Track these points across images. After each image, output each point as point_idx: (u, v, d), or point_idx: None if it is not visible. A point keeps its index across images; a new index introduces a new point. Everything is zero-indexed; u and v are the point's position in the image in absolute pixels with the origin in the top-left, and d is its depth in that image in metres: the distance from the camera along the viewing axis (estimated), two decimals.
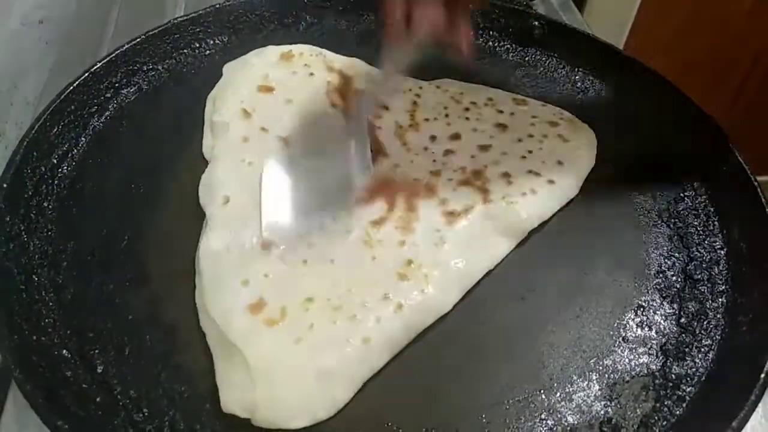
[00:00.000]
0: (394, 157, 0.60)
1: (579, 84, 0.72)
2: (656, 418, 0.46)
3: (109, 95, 0.64)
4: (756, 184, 0.57)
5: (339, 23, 0.76)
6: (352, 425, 0.44)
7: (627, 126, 0.67)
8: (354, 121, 0.60)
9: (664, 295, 0.53)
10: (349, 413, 0.45)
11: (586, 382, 0.48)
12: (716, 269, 0.55)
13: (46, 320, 0.48)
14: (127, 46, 0.66)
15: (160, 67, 0.68)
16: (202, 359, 0.47)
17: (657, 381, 0.48)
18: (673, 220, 0.59)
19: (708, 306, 0.53)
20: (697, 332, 0.51)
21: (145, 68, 0.67)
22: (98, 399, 0.44)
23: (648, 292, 0.54)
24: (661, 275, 0.55)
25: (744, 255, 0.55)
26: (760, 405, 0.44)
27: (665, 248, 0.57)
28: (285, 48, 0.68)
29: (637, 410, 0.46)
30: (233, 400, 0.43)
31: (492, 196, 0.56)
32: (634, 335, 0.51)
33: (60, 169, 0.57)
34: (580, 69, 0.73)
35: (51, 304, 0.49)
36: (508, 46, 0.76)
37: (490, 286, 0.53)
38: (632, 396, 0.47)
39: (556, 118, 0.65)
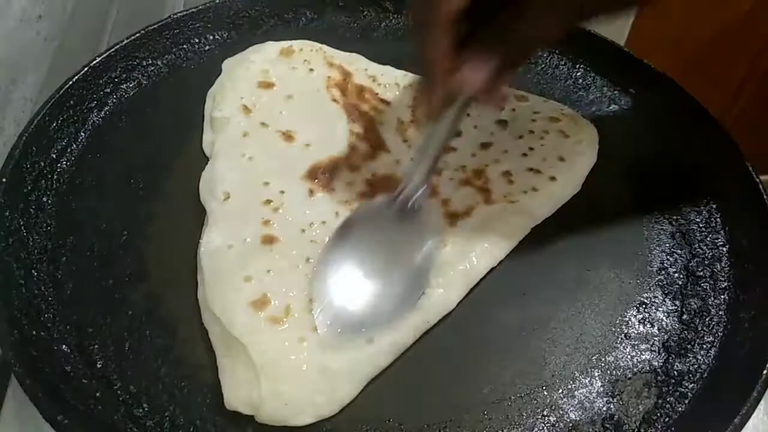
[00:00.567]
0: (395, 154, 0.59)
1: (580, 81, 0.72)
2: (658, 414, 0.46)
3: (108, 90, 0.64)
4: (758, 181, 0.57)
5: (339, 19, 0.75)
6: (353, 422, 0.44)
7: (628, 123, 0.67)
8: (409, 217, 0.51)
9: (666, 291, 0.53)
10: (350, 410, 0.45)
11: (588, 379, 0.47)
12: (718, 266, 0.55)
13: (46, 315, 0.48)
14: (126, 42, 0.66)
15: (159, 63, 0.68)
16: (202, 354, 0.46)
17: (659, 378, 0.48)
18: (674, 217, 0.59)
19: (710, 303, 0.52)
20: (699, 329, 0.51)
21: (144, 63, 0.67)
22: (98, 394, 0.44)
23: (650, 289, 0.53)
24: (663, 272, 0.55)
25: (746, 252, 0.55)
26: (762, 402, 0.44)
27: (667, 245, 0.57)
28: (285, 43, 0.68)
29: (639, 407, 0.46)
30: (237, 397, 0.43)
31: (494, 196, 0.56)
32: (636, 332, 0.50)
33: (59, 164, 0.57)
34: (582, 65, 0.73)
35: (50, 299, 0.49)
36: None
37: (491, 283, 0.53)
38: (634, 392, 0.47)
39: (557, 114, 0.65)
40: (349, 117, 0.62)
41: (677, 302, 0.53)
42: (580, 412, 0.46)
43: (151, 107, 0.64)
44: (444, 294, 0.50)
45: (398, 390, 0.46)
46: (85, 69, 0.62)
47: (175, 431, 0.43)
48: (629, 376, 0.48)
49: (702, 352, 0.49)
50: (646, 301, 0.53)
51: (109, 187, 0.57)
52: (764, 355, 0.46)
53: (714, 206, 0.60)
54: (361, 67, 0.67)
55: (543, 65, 0.74)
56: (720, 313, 0.52)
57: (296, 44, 0.68)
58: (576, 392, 0.47)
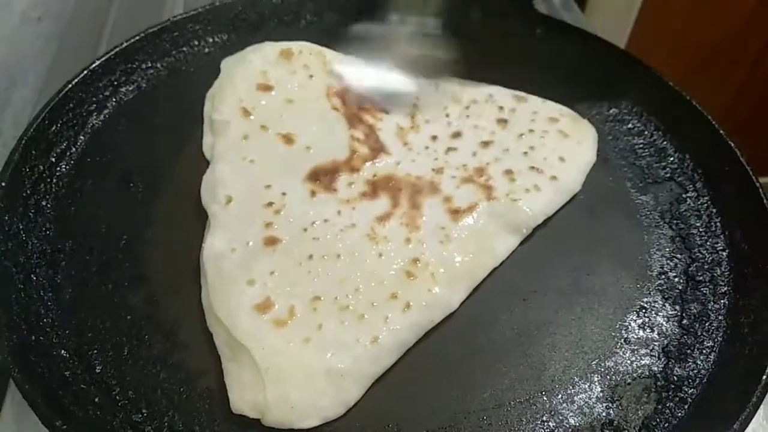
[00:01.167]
0: (396, 156, 0.60)
1: (581, 83, 0.72)
2: (658, 420, 0.46)
3: (107, 93, 0.63)
4: (758, 185, 0.57)
5: (339, 21, 0.75)
6: (354, 427, 0.44)
7: (628, 125, 0.67)
8: None
9: (666, 296, 0.53)
10: (351, 415, 0.45)
11: (588, 384, 0.47)
12: (718, 271, 0.55)
13: (45, 320, 0.47)
14: (125, 44, 0.66)
15: (159, 65, 0.67)
16: (202, 359, 0.46)
17: (659, 383, 0.48)
18: (675, 221, 0.59)
19: (710, 308, 0.52)
20: (699, 334, 0.51)
21: (144, 66, 0.67)
22: (97, 399, 0.44)
23: (650, 294, 0.53)
24: (663, 276, 0.55)
25: (746, 256, 0.55)
26: (761, 407, 0.44)
27: (667, 249, 0.57)
28: (284, 45, 0.68)
29: (639, 412, 0.46)
30: (243, 400, 0.43)
31: (496, 193, 0.56)
32: (635, 337, 0.50)
33: (58, 168, 0.57)
34: (582, 68, 0.73)
35: (49, 303, 0.49)
36: (509, 44, 0.76)
37: (491, 286, 0.53)
38: (634, 398, 0.47)
39: (556, 114, 0.65)
40: (349, 123, 0.62)
41: (677, 307, 0.53)
42: (579, 418, 0.46)
43: (150, 110, 0.64)
44: (447, 293, 0.50)
45: (399, 395, 0.46)
46: (85, 72, 0.62)
47: None
48: (629, 381, 0.48)
49: (702, 357, 0.49)
50: (645, 305, 0.53)
51: (109, 190, 0.57)
52: (764, 360, 0.46)
53: (714, 210, 0.60)
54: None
55: (543, 67, 0.74)
56: (720, 317, 0.52)
57: (295, 46, 0.68)
58: (575, 397, 0.47)
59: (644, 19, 1.27)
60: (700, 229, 0.58)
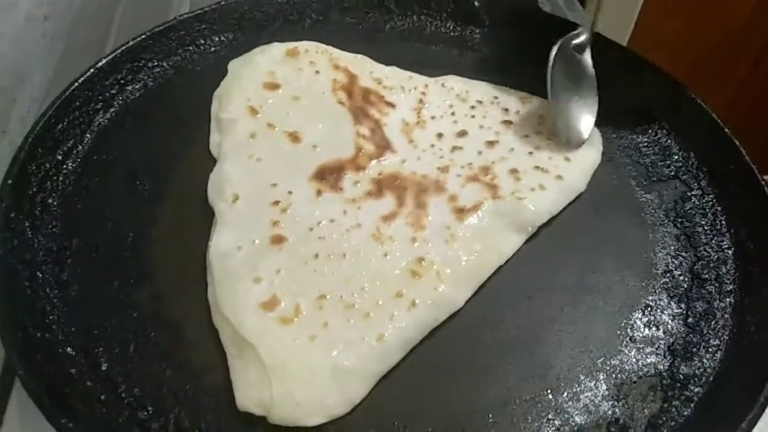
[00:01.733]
0: (401, 154, 0.60)
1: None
2: (664, 418, 0.46)
3: (114, 92, 0.64)
4: (763, 183, 0.57)
5: (345, 20, 0.75)
6: (359, 426, 0.44)
7: (633, 124, 0.67)
8: None
9: (671, 294, 0.53)
10: (356, 414, 0.45)
11: (594, 382, 0.47)
12: (724, 269, 0.55)
13: (51, 317, 0.48)
14: (132, 43, 0.66)
15: (165, 64, 0.67)
16: (208, 356, 0.46)
17: (665, 381, 0.48)
18: (680, 220, 0.59)
19: (716, 306, 0.52)
20: (705, 332, 0.51)
21: (150, 65, 0.67)
22: (103, 397, 0.44)
23: (655, 292, 0.53)
24: (668, 275, 0.55)
25: (752, 254, 0.55)
26: None
27: (672, 247, 0.57)
28: (290, 45, 0.68)
29: (645, 410, 0.46)
30: (249, 398, 0.43)
31: (501, 192, 0.56)
32: (641, 335, 0.50)
33: (65, 166, 0.57)
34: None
35: (55, 301, 0.49)
36: (514, 44, 0.76)
37: (496, 284, 0.53)
38: (640, 396, 0.47)
39: None
40: (355, 119, 0.62)
41: (683, 305, 0.52)
42: (585, 416, 0.46)
43: (157, 109, 0.64)
44: (453, 290, 0.50)
45: (404, 394, 0.46)
46: (91, 70, 0.62)
47: None
48: (634, 379, 0.48)
49: (708, 356, 0.49)
50: (651, 303, 0.52)
51: (115, 188, 0.57)
52: None
53: (719, 208, 0.59)
54: (366, 70, 0.67)
55: (544, 64, 0.74)
56: (726, 316, 0.52)
57: (302, 45, 0.68)
58: (581, 396, 0.47)
59: (646, 17, 1.27)
60: (706, 228, 0.58)
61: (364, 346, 0.46)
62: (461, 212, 0.54)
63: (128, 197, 0.56)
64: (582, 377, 0.47)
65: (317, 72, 0.66)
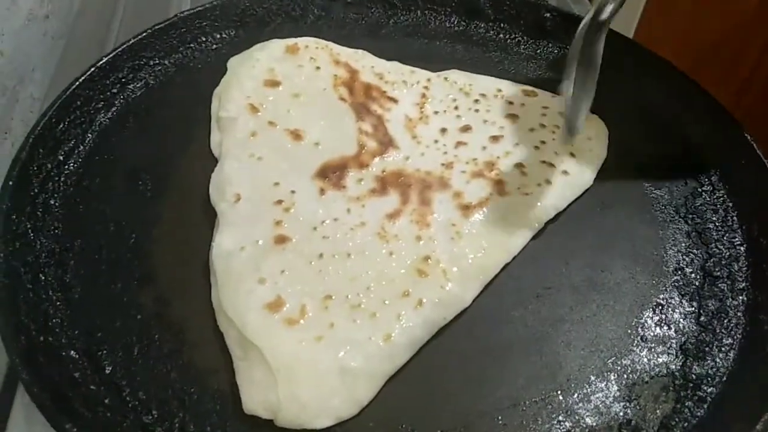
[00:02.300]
0: (404, 150, 0.59)
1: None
2: (677, 419, 0.45)
3: (115, 90, 0.63)
4: None
5: (348, 16, 0.74)
6: (367, 427, 0.43)
7: (641, 119, 0.66)
8: None
9: (682, 293, 0.52)
10: (363, 416, 0.44)
11: (605, 383, 0.46)
12: (736, 266, 0.54)
13: (54, 320, 0.47)
14: (133, 41, 0.65)
15: (166, 62, 0.67)
16: (213, 359, 0.46)
17: (677, 381, 0.47)
18: (690, 216, 0.58)
19: (728, 304, 0.51)
20: (718, 331, 0.50)
21: (151, 63, 0.66)
22: (106, 400, 0.43)
23: (666, 290, 0.52)
24: (679, 272, 0.54)
25: (764, 251, 0.54)
26: None
27: (683, 245, 0.56)
28: (290, 41, 0.67)
29: (657, 411, 0.45)
30: (255, 400, 0.43)
31: (507, 188, 0.55)
32: (652, 334, 0.49)
33: (66, 166, 0.57)
34: None
35: (58, 303, 0.48)
36: (519, 38, 0.75)
37: (504, 283, 0.52)
38: (652, 397, 0.46)
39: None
40: (357, 115, 0.61)
41: (694, 303, 0.52)
42: (596, 417, 0.45)
43: (158, 107, 0.63)
44: (460, 289, 0.49)
45: (411, 395, 0.45)
46: (92, 69, 0.62)
47: None
48: (646, 379, 0.47)
49: (721, 355, 0.48)
50: (662, 302, 0.52)
51: (117, 188, 0.56)
52: None
53: (730, 204, 0.59)
54: (367, 65, 0.67)
55: (553, 61, 0.73)
56: (738, 314, 0.51)
57: (301, 41, 0.67)
58: (592, 397, 0.46)
59: (651, 12, 1.26)
60: (717, 224, 0.57)
61: (371, 347, 0.45)
62: (466, 209, 0.54)
63: (130, 197, 0.56)
64: (593, 378, 0.47)
65: (318, 68, 0.65)
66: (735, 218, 0.57)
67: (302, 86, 0.63)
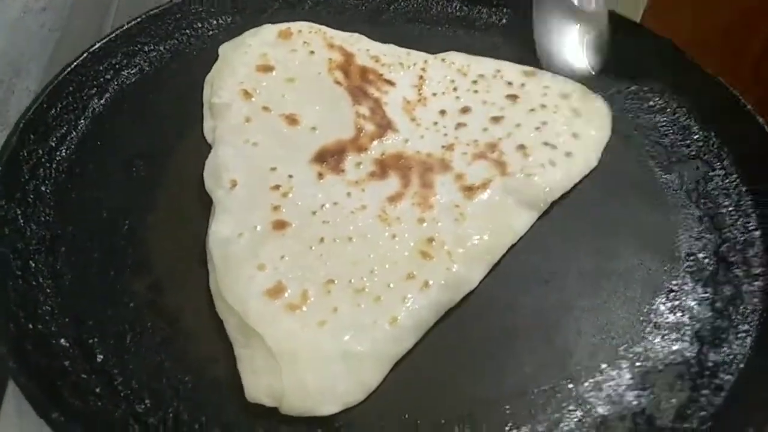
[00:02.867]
0: (403, 133, 0.57)
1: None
2: (693, 408, 0.43)
3: (108, 76, 0.62)
4: None
5: (347, 1, 0.73)
6: (371, 418, 0.42)
7: (650, 102, 0.64)
8: None
9: (696, 278, 0.50)
10: (365, 405, 0.42)
11: (616, 371, 0.45)
12: (751, 251, 0.52)
13: (44, 308, 0.46)
14: (127, 26, 0.64)
15: (161, 48, 0.65)
16: (208, 347, 0.44)
17: (692, 369, 0.45)
18: (702, 200, 0.56)
19: (744, 290, 0.49)
20: (733, 317, 0.48)
21: (146, 49, 0.65)
22: (98, 390, 0.42)
23: (679, 276, 0.50)
24: (691, 258, 0.52)
25: None
26: None
27: (695, 230, 0.54)
28: (282, 26, 0.66)
29: (672, 400, 0.43)
30: (258, 388, 0.41)
31: (510, 169, 0.54)
32: (665, 321, 0.48)
33: (58, 152, 0.55)
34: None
35: (49, 290, 0.47)
36: (521, 22, 0.73)
37: (512, 268, 0.50)
38: (666, 385, 0.44)
39: (567, 89, 0.63)
40: (353, 99, 0.59)
41: (709, 289, 0.50)
42: (608, 407, 0.43)
43: (152, 93, 0.62)
44: (466, 270, 0.48)
45: (417, 384, 0.44)
46: (85, 55, 0.61)
47: (179, 428, 0.41)
48: (660, 368, 0.45)
49: (737, 342, 0.46)
50: (675, 288, 0.50)
51: (110, 175, 0.55)
52: None
53: (744, 189, 0.57)
54: (363, 48, 0.65)
55: None
56: (755, 300, 0.49)
57: (294, 26, 0.66)
58: (604, 385, 0.44)
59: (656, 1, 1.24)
60: (730, 209, 0.55)
61: (377, 330, 0.43)
62: (469, 190, 0.52)
63: (124, 184, 0.54)
64: (604, 366, 0.45)
65: (312, 52, 0.63)
66: (749, 202, 0.55)
67: (296, 71, 0.62)
